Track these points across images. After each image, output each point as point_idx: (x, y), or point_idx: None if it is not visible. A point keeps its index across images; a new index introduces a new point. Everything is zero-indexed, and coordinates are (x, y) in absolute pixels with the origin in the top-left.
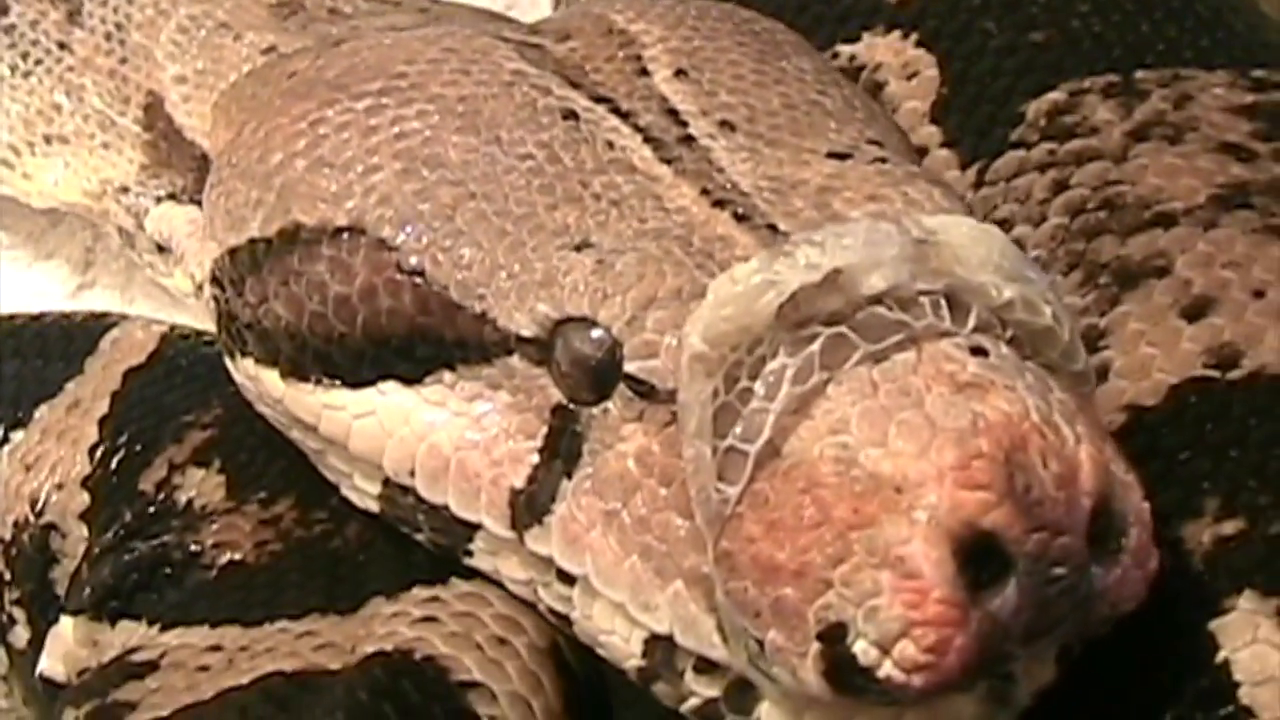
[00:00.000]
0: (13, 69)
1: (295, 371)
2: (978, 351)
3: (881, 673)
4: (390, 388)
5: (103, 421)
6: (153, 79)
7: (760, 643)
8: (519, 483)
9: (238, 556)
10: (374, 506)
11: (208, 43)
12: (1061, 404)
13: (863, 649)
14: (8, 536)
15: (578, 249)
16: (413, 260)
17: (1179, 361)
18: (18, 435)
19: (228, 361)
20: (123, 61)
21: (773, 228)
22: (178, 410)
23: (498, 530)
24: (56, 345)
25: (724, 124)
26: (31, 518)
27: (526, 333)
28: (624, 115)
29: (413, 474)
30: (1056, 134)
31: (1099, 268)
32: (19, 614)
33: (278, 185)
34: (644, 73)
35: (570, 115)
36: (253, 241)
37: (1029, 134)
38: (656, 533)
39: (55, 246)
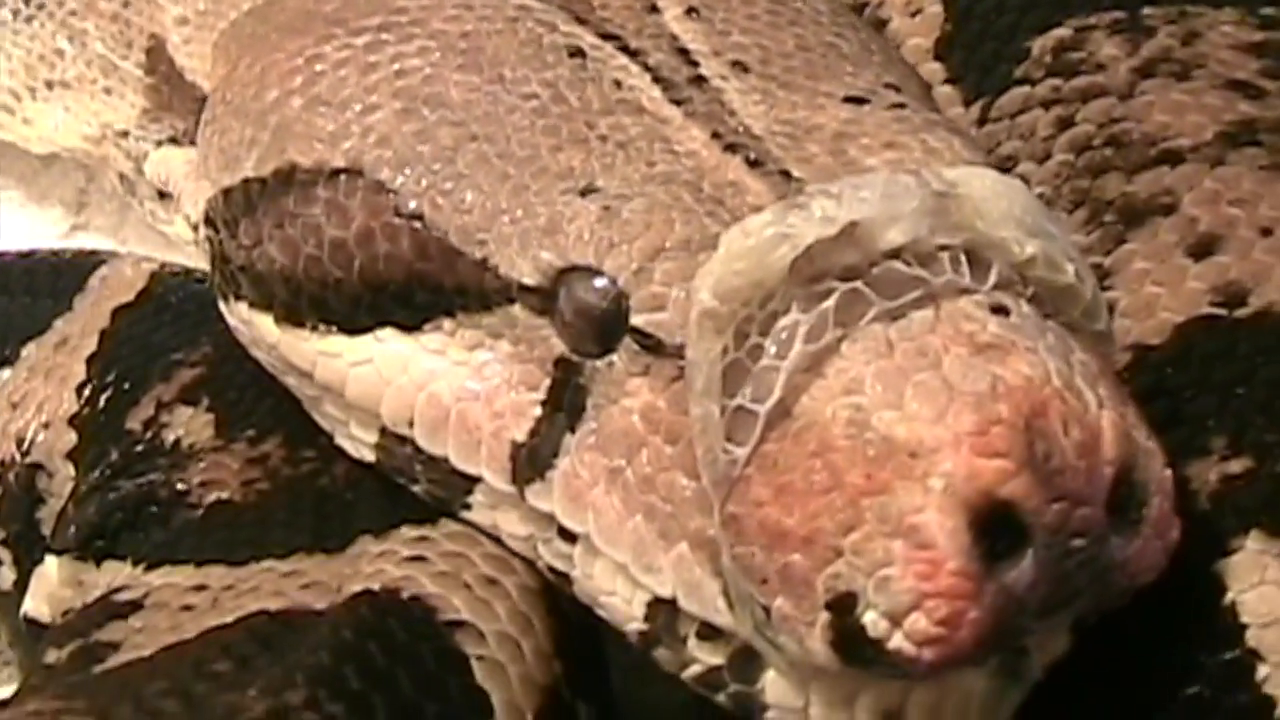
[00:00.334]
0: (15, 13)
1: (290, 317)
2: (998, 310)
3: (892, 645)
4: (388, 335)
5: (91, 359)
6: (155, 21)
7: (767, 610)
8: (520, 436)
9: (225, 495)
10: (369, 456)
11: None
12: (1084, 366)
13: (873, 620)
14: None
15: (583, 194)
16: (411, 204)
17: (1185, 300)
18: (5, 373)
19: (221, 304)
20: (125, 4)
21: (786, 174)
22: (166, 348)
23: (498, 484)
24: (45, 283)
25: (736, 64)
26: (18, 457)
27: (529, 281)
28: (632, 53)
29: (411, 424)
30: (1062, 70)
31: (1104, 205)
32: (4, 555)
33: (273, 124)
34: (654, 9)
35: (577, 53)
36: (247, 182)
37: (1034, 70)
38: (661, 493)
39: (48, 187)
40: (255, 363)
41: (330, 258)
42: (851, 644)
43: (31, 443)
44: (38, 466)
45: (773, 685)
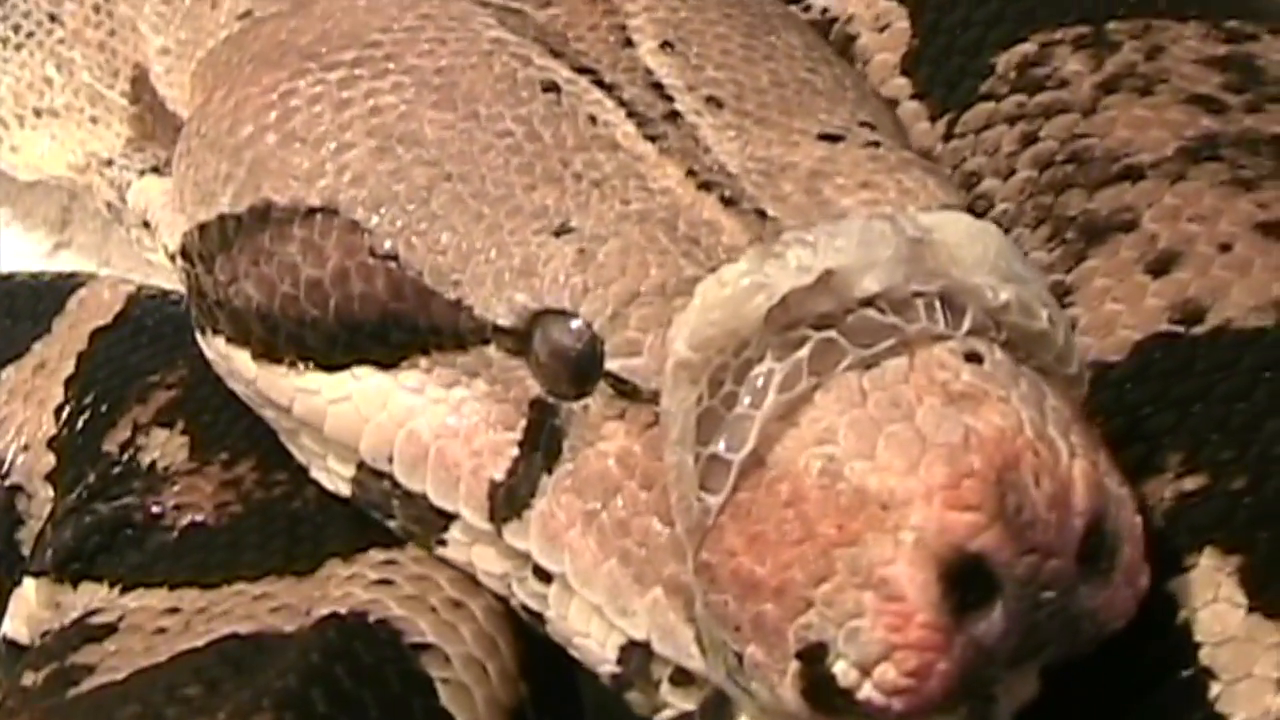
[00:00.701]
0: (4, 41)
1: (267, 353)
2: (972, 357)
3: (861, 695)
4: (365, 372)
5: (68, 382)
6: (139, 51)
7: (739, 657)
8: (499, 475)
9: (199, 518)
10: (345, 490)
11: (190, 13)
12: (1056, 414)
13: (843, 670)
14: None
15: (557, 234)
16: (386, 244)
17: (1144, 317)
18: None
19: (198, 336)
20: (111, 34)
21: (761, 213)
22: (143, 370)
23: (476, 522)
24: (25, 305)
25: (711, 100)
26: None
27: (504, 322)
28: (607, 88)
29: (390, 460)
30: (1026, 86)
31: (1066, 222)
32: None
33: (248, 160)
34: (629, 43)
35: (551, 87)
36: (223, 218)
37: (999, 86)
38: (636, 537)
39: (32, 206)
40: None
41: (306, 296)
42: (822, 693)
43: (11, 465)
44: (17, 488)
45: None
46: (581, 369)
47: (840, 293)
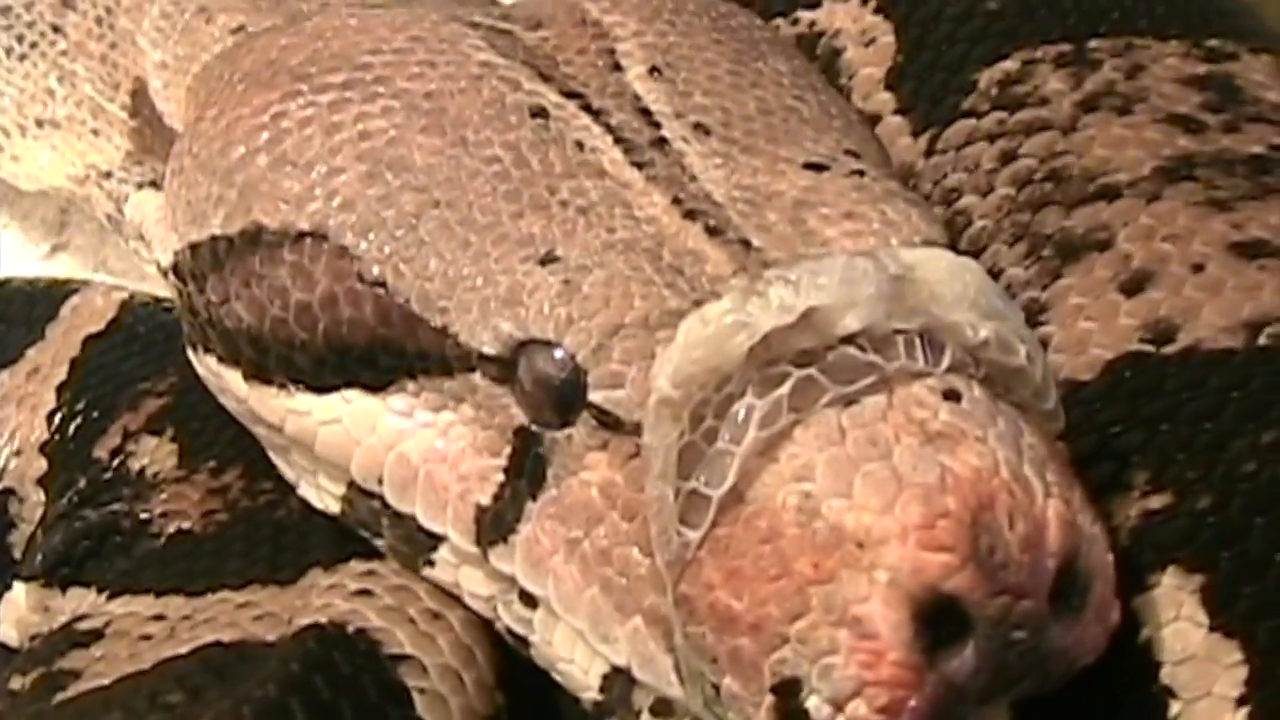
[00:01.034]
0: (8, 51)
1: (258, 374)
2: (950, 395)
3: None
4: (355, 395)
5: (61, 388)
6: (138, 65)
7: (717, 687)
8: (485, 500)
9: (185, 525)
10: (335, 508)
11: (187, 27)
12: (1032, 451)
13: (815, 705)
14: None
15: (543, 263)
16: (374, 270)
17: (1116, 336)
18: None
19: (190, 353)
20: (112, 47)
21: (746, 243)
22: (134, 378)
23: (463, 544)
24: (19, 311)
25: (698, 127)
26: None
27: (489, 351)
28: (595, 113)
29: (380, 481)
30: (1007, 103)
31: (1043, 240)
32: None
33: (239, 182)
34: (617, 68)
35: (539, 112)
36: (214, 239)
37: (980, 103)
38: (618, 566)
39: (30, 208)
40: None
41: (296, 320)
42: None
43: (3, 469)
44: (9, 492)
45: None
46: (565, 399)
47: (822, 330)
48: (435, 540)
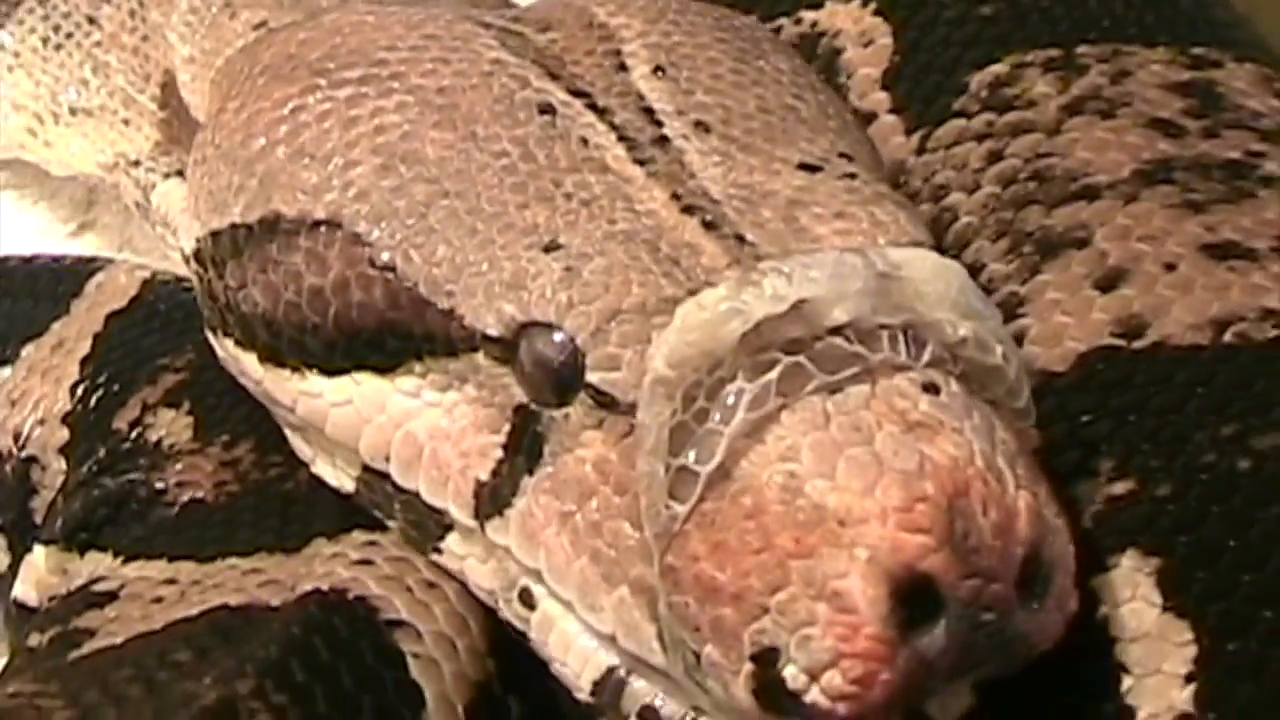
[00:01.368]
0: (44, 40)
1: (272, 357)
2: (929, 388)
3: (808, 698)
4: (364, 377)
5: (84, 361)
6: (168, 58)
7: (697, 655)
8: (484, 475)
9: (199, 495)
10: (349, 488)
11: (213, 22)
12: (1005, 445)
13: (792, 674)
14: None
15: (546, 250)
16: (385, 256)
17: (1089, 330)
18: (5, 371)
19: (210, 337)
20: (144, 39)
21: (740, 238)
22: (154, 353)
23: (462, 518)
24: (46, 287)
25: (699, 125)
26: (14, 450)
27: (493, 332)
28: (600, 111)
29: (388, 459)
30: (996, 105)
31: (1024, 237)
32: (0, 541)
33: (259, 172)
34: (622, 68)
35: (547, 109)
36: (234, 227)
37: (970, 104)
38: (607, 539)
39: (58, 187)
40: None
41: (308, 304)
42: (772, 694)
43: (27, 438)
44: (32, 460)
45: None
46: (564, 380)
47: (811, 321)
48: (442, 522)
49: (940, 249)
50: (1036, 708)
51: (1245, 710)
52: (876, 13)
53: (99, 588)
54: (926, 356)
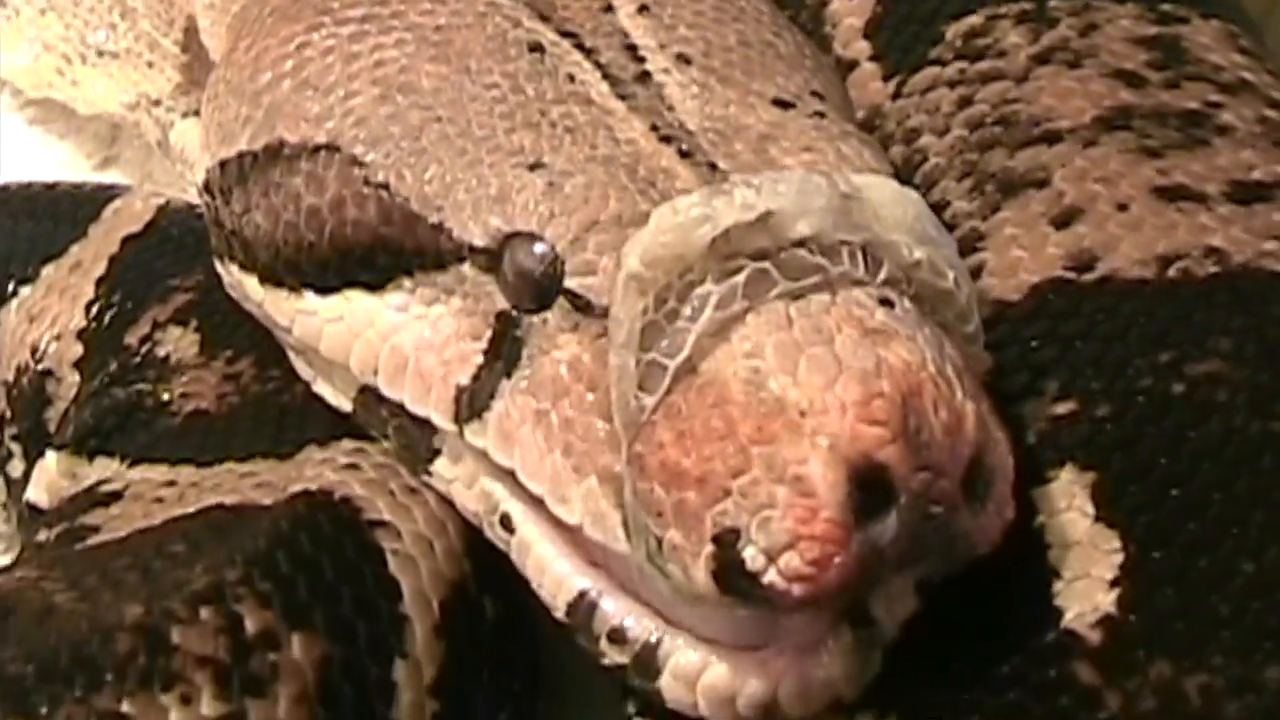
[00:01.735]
0: None
1: (271, 278)
2: (885, 302)
3: (765, 579)
4: (355, 295)
5: (99, 281)
6: (190, 5)
7: (659, 541)
8: (464, 380)
9: (201, 406)
10: (348, 407)
11: None
12: (953, 360)
13: (751, 555)
14: (10, 379)
15: (531, 168)
16: (380, 175)
17: (1042, 263)
18: (26, 290)
19: (217, 265)
20: None
21: (713, 166)
22: (165, 274)
23: (443, 424)
24: (66, 211)
25: (680, 57)
26: (32, 363)
27: (479, 243)
28: (587, 51)
29: (376, 373)
30: (969, 54)
31: (987, 177)
32: (16, 448)
33: (266, 103)
34: (609, 8)
35: (536, 48)
36: (241, 155)
37: (945, 53)
38: (578, 432)
39: (85, 122)
40: None
41: (305, 223)
42: (730, 575)
43: (44, 352)
44: (48, 373)
45: (668, 686)
46: (544, 286)
47: (776, 232)
48: (430, 445)
49: (904, 184)
50: (975, 608)
51: (1164, 613)
52: None
53: (105, 489)
54: (883, 274)
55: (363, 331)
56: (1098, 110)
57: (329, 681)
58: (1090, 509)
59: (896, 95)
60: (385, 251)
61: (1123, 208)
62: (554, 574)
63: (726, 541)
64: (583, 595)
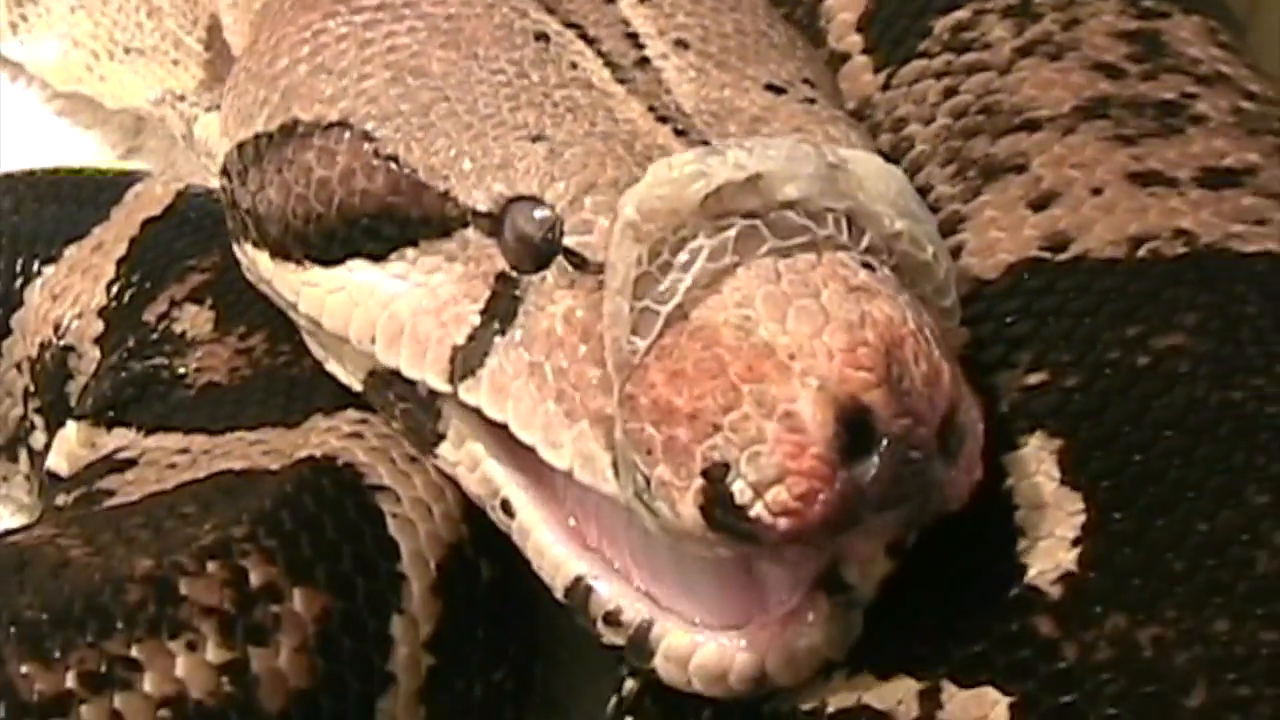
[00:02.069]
0: None
1: (280, 251)
2: (867, 266)
3: (753, 512)
4: (358, 265)
5: (120, 262)
6: (214, 3)
7: (648, 479)
8: (460, 340)
9: (215, 379)
10: (357, 388)
11: None
12: (929, 325)
13: (740, 489)
14: (34, 354)
15: (533, 140)
16: (389, 148)
17: (1019, 244)
18: (49, 269)
19: (235, 247)
20: None
21: (706, 144)
22: (183, 255)
23: (437, 385)
24: (89, 194)
25: (678, 42)
26: (54, 340)
27: (482, 208)
28: (590, 40)
29: (373, 340)
30: (955, 47)
31: (970, 163)
32: (39, 420)
33: (282, 86)
34: (611, 1)
35: (541, 37)
36: (257, 136)
37: (933, 46)
38: (571, 380)
39: (111, 114)
40: None
41: (315, 195)
42: (718, 509)
43: (67, 328)
44: (70, 348)
45: (662, 666)
46: (542, 247)
47: (766, 194)
48: (435, 423)
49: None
50: (945, 566)
51: (1122, 570)
52: None
53: (121, 456)
54: (865, 242)
55: (363, 300)
56: (1077, 100)
57: (328, 633)
58: (1056, 473)
59: (886, 86)
60: (391, 221)
61: (1097, 192)
62: (552, 558)
63: (715, 475)
64: (579, 580)
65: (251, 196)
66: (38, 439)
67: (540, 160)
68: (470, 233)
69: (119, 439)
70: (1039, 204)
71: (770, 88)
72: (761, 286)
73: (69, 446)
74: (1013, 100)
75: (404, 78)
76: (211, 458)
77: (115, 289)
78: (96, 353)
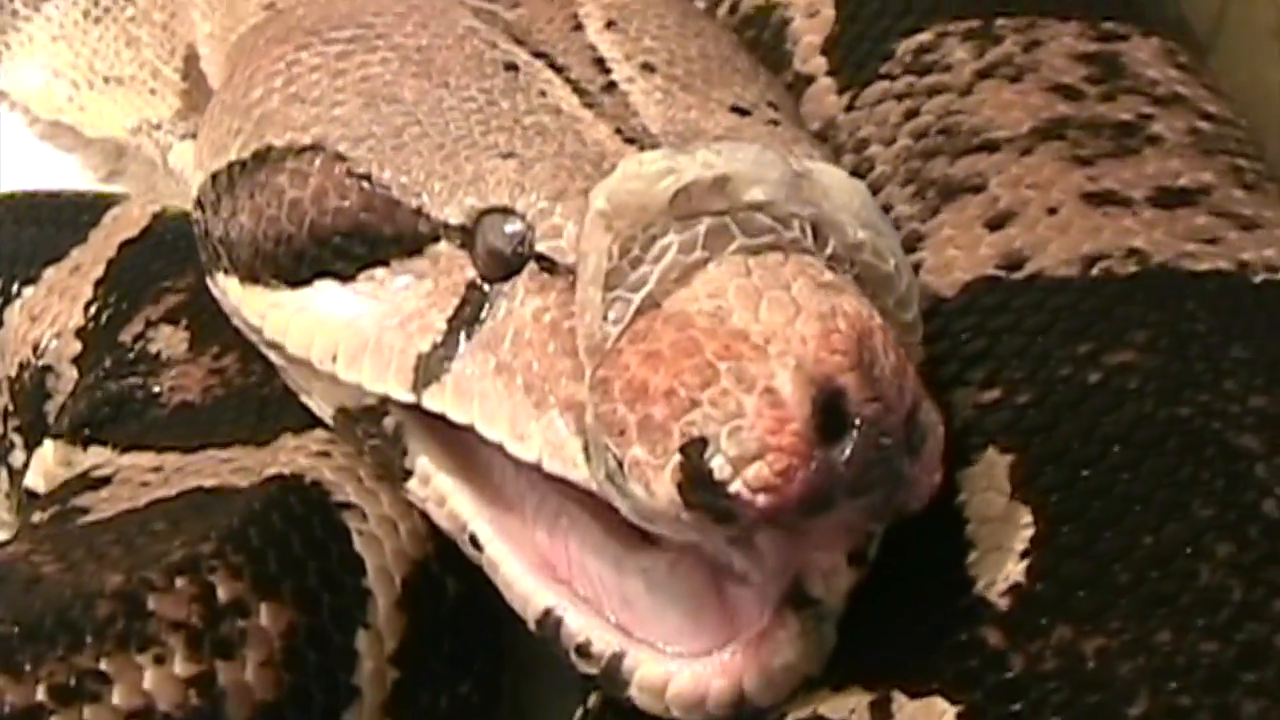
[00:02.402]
0: (85, 14)
1: (249, 275)
2: (832, 270)
3: (732, 489)
4: (325, 285)
5: (98, 283)
6: (191, 34)
7: (620, 462)
8: (425, 348)
9: (188, 398)
10: (329, 422)
11: (230, 3)
12: (891, 331)
13: (719, 464)
14: (13, 374)
15: (504, 157)
16: (361, 167)
17: (975, 262)
18: (28, 290)
19: (209, 280)
20: (172, 16)
21: None
22: (159, 276)
23: (401, 394)
24: (68, 217)
25: (645, 66)
26: (33, 360)
27: (454, 221)
28: (558, 69)
29: (335, 359)
30: (917, 69)
31: (929, 183)
32: (18, 439)
33: (256, 116)
34: (578, 27)
35: (511, 67)
36: (230, 164)
37: (895, 68)
38: (540, 373)
39: (92, 139)
40: None
41: (287, 215)
42: (696, 485)
43: (45, 349)
44: (48, 369)
45: (638, 696)
46: (512, 256)
47: (733, 195)
48: (403, 460)
49: None
50: (898, 578)
51: (1068, 582)
52: None
53: (96, 474)
54: (829, 250)
55: (327, 319)
56: (1035, 121)
57: (294, 647)
58: (1007, 487)
59: (850, 108)
60: (362, 240)
61: (1053, 211)
62: (521, 590)
63: (693, 451)
64: (549, 612)
65: (224, 224)
66: (17, 458)
67: (510, 173)
68: (442, 246)
69: (95, 457)
70: (995, 223)
71: (735, 109)
72: (733, 280)
73: (46, 465)
74: (972, 121)
75: (377, 104)
76: (184, 475)
77: (93, 310)
78: (74, 373)
